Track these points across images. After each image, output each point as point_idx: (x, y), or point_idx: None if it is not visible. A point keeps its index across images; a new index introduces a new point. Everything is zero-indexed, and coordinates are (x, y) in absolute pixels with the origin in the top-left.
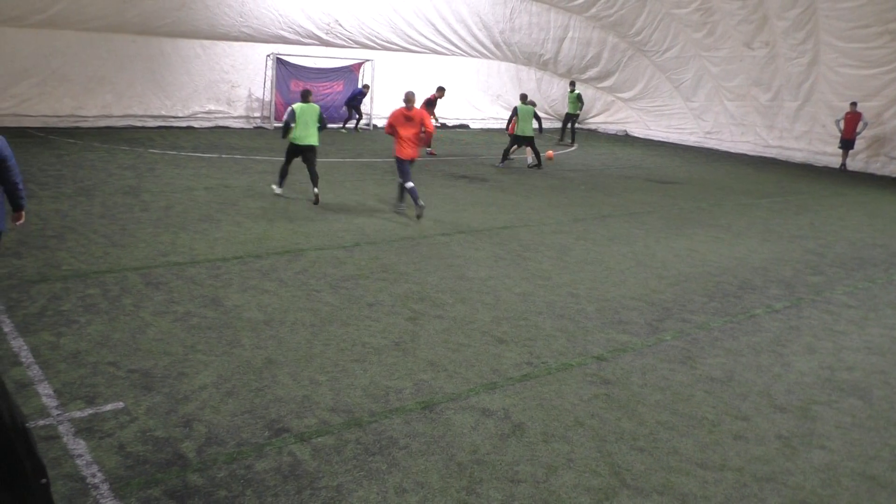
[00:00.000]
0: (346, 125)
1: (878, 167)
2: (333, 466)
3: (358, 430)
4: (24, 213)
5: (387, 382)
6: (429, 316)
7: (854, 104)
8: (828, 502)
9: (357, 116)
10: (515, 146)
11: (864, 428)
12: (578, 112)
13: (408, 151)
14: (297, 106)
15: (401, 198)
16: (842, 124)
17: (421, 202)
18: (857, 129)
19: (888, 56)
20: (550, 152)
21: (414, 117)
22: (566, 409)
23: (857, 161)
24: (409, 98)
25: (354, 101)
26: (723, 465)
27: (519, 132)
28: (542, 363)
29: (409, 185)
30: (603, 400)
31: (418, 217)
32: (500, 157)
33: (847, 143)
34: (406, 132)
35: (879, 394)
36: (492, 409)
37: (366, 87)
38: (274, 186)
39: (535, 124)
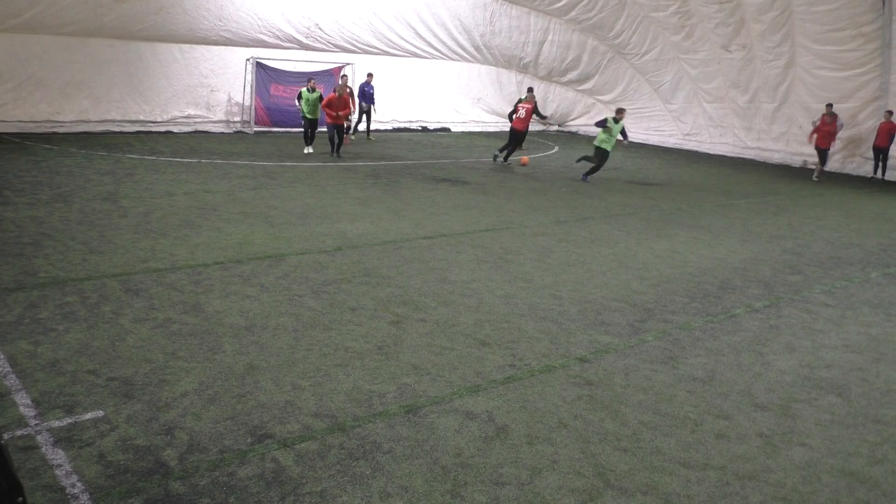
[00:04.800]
0: (357, 129)
1: (854, 167)
2: (317, 472)
3: (341, 435)
4: None
5: (370, 387)
6: (411, 319)
7: (829, 106)
8: (808, 499)
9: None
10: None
11: (843, 425)
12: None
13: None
14: None
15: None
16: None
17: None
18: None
19: (862, 58)
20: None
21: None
22: (550, 410)
23: (834, 162)
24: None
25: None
26: (705, 463)
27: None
28: (525, 365)
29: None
30: (586, 401)
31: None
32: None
33: None
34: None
35: (857, 391)
36: (475, 412)
37: (370, 75)
38: None
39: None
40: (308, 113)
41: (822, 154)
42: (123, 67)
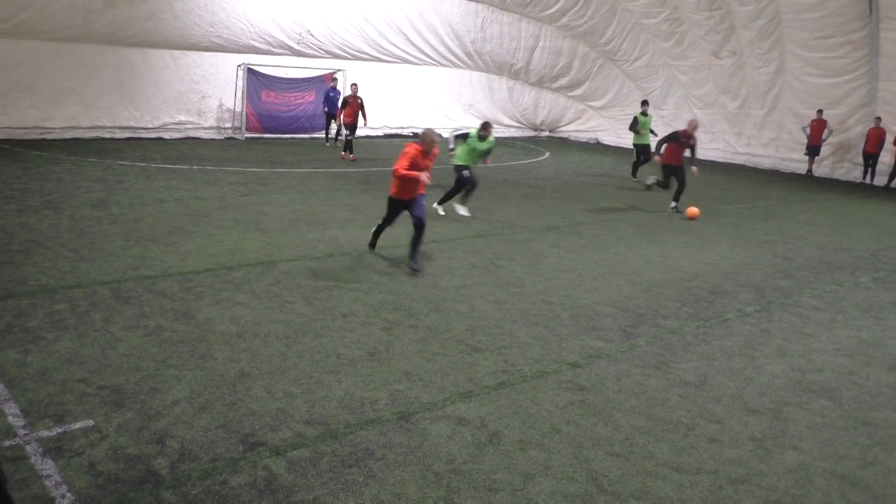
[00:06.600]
0: (330, 136)
1: (843, 173)
2: (309, 480)
3: (333, 443)
4: None
5: (362, 393)
6: (403, 325)
7: (820, 112)
8: (801, 502)
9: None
10: None
11: (835, 428)
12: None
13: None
14: None
15: None
16: (808, 131)
17: None
18: (823, 136)
19: (850, 65)
20: (693, 209)
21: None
22: (542, 416)
23: (823, 167)
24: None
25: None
26: (698, 468)
27: None
28: (518, 371)
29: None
30: (578, 406)
31: None
32: None
33: (813, 150)
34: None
35: (848, 394)
36: (468, 418)
37: (334, 80)
38: None
39: None
40: (463, 160)
41: (815, 151)
42: (114, 73)
